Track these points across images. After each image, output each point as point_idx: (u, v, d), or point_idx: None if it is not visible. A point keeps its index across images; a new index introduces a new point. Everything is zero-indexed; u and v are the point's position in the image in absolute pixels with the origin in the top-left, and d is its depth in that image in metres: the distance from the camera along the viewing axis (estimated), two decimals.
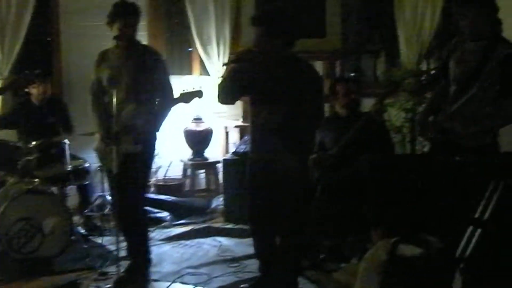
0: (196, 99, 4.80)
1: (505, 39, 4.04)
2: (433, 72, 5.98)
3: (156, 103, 4.83)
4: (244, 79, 4.31)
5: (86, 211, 6.16)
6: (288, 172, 4.24)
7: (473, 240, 3.39)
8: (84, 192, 6.22)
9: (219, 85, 4.47)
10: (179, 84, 5.48)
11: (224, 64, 5.39)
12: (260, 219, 4.47)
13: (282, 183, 4.25)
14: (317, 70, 4.55)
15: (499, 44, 3.97)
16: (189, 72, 7.56)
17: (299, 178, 4.31)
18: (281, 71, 4.22)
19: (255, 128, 4.41)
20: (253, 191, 4.46)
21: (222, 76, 4.59)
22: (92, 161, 5.80)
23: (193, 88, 4.82)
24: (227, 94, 4.45)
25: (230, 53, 7.18)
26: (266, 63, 4.26)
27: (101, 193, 6.18)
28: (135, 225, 4.87)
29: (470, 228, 3.47)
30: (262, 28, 4.17)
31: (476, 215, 3.48)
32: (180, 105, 4.82)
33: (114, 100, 4.49)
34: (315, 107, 4.34)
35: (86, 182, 6.15)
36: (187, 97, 4.79)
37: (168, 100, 4.82)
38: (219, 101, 4.52)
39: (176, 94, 4.81)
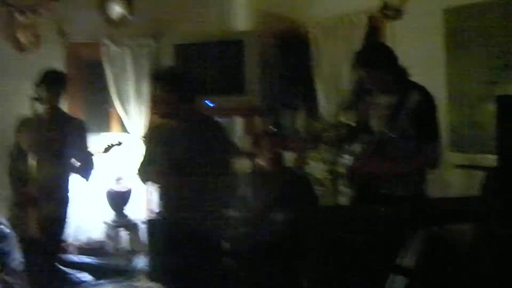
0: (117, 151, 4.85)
1: (416, 85, 4.09)
2: (352, 124, 6.08)
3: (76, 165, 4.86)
4: (157, 155, 4.30)
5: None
6: (206, 229, 4.25)
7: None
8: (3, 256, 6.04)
9: (138, 170, 4.48)
10: (98, 142, 5.42)
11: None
12: (182, 280, 4.37)
13: (199, 242, 4.21)
14: (221, 123, 4.59)
15: (411, 92, 4.03)
16: (108, 130, 7.48)
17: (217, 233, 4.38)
18: (191, 131, 4.25)
19: (169, 192, 4.35)
20: (168, 251, 4.38)
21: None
22: None
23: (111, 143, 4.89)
24: (145, 176, 4.47)
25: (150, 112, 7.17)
26: (177, 125, 4.28)
27: None
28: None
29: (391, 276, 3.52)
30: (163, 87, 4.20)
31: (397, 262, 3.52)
32: (101, 166, 4.84)
33: (35, 164, 4.41)
34: (226, 160, 4.38)
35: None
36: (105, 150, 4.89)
37: (87, 161, 4.86)
38: (142, 182, 4.56)
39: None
